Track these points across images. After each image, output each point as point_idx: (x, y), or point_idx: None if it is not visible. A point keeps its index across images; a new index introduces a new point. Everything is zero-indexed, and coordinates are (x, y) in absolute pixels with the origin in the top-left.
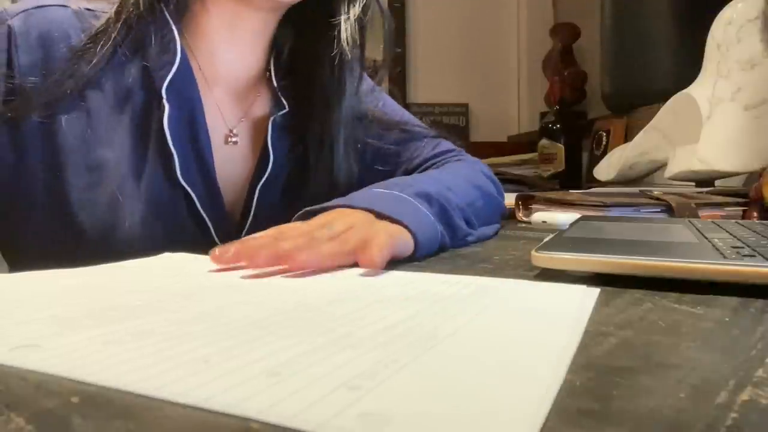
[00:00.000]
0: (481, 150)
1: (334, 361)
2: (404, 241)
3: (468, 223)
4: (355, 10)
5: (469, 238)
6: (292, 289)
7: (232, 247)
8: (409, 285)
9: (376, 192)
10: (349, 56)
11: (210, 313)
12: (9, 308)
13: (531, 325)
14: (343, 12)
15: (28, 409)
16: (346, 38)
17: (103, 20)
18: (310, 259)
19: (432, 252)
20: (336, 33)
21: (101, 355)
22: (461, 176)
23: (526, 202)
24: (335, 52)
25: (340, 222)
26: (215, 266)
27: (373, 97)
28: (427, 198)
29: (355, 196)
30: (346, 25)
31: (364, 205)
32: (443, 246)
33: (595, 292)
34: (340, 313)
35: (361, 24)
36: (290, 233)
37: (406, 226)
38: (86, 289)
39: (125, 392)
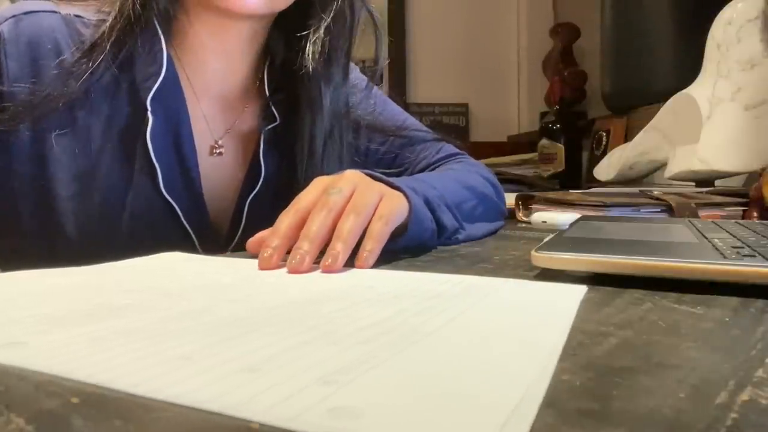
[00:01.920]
0: (481, 150)
1: (314, 357)
2: (402, 206)
3: (456, 221)
4: (325, 22)
5: (459, 236)
6: (280, 287)
7: (273, 252)
8: (398, 283)
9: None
10: (310, 71)
11: (197, 311)
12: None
13: (516, 323)
14: (313, 24)
15: (28, 410)
16: (311, 51)
17: (96, 33)
18: (345, 256)
19: (423, 234)
20: (311, 45)
21: (86, 352)
22: (450, 177)
23: (526, 202)
24: (303, 66)
25: (342, 182)
26: (208, 266)
27: (368, 104)
28: (413, 190)
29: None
30: (314, 37)
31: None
32: (430, 239)
33: (582, 289)
34: (325, 311)
35: (332, 35)
36: (305, 203)
37: (401, 190)
38: (76, 288)
39: (122, 392)
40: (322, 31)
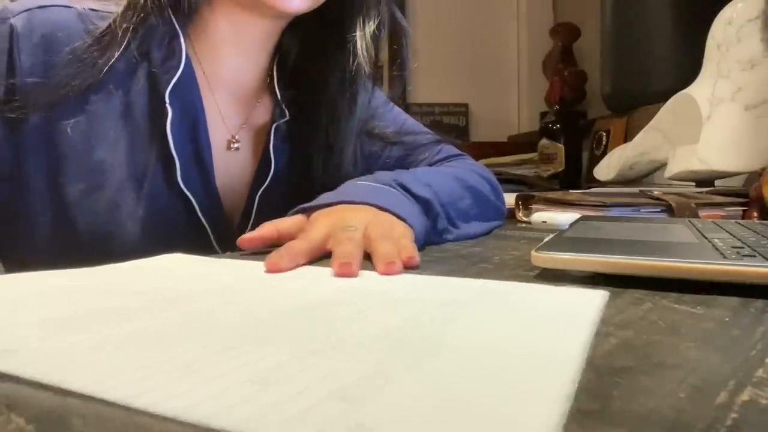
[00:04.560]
0: (481, 150)
1: (325, 368)
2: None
3: (448, 220)
4: (371, 27)
5: (448, 236)
6: (289, 291)
7: (284, 261)
8: (409, 287)
9: (366, 186)
10: (367, 71)
11: (200, 316)
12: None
13: (532, 333)
14: (358, 28)
15: (28, 409)
16: (363, 54)
17: (109, 22)
18: (400, 267)
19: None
20: (350, 48)
21: (84, 360)
22: (447, 173)
23: (526, 202)
24: (350, 68)
25: (354, 220)
26: (213, 268)
27: (385, 109)
28: (412, 194)
29: (347, 191)
30: (362, 42)
31: (362, 200)
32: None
33: (603, 294)
34: (336, 317)
35: (376, 41)
36: (318, 235)
37: (404, 220)
38: (80, 291)
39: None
40: (368, 35)
